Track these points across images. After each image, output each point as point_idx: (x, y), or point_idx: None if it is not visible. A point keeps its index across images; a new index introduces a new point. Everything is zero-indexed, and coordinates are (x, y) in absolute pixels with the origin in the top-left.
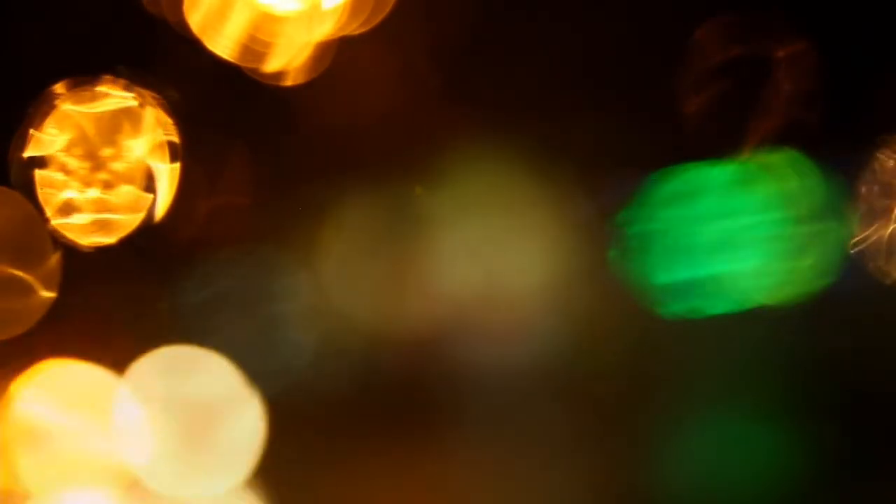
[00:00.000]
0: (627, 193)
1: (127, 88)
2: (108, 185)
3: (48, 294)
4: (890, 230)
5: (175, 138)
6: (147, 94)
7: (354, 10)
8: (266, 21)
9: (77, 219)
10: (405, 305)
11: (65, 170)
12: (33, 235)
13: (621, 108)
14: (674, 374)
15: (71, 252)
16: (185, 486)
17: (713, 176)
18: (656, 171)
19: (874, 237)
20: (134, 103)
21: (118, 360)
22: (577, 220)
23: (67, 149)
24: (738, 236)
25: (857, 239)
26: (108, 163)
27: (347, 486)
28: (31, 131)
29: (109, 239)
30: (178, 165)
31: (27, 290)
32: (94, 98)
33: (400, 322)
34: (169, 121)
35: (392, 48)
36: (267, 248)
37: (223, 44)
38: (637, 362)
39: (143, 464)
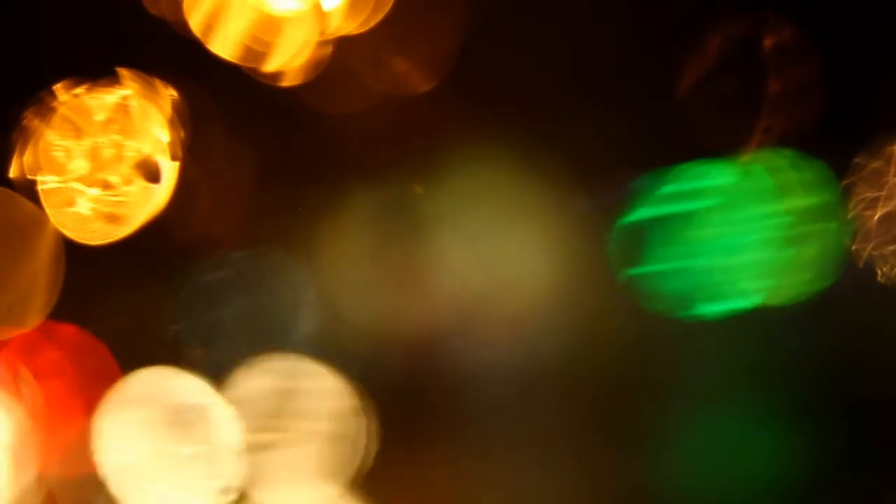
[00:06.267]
0: (627, 193)
1: (127, 88)
2: (109, 185)
3: (51, 293)
4: (889, 230)
5: (175, 138)
6: (147, 94)
7: (354, 10)
8: (266, 21)
9: (78, 218)
10: (405, 305)
11: (66, 170)
12: (35, 235)
13: (621, 107)
14: (674, 374)
15: (73, 251)
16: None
17: (713, 176)
18: (656, 171)
19: (873, 237)
20: (134, 103)
21: (120, 359)
22: (577, 219)
23: (68, 149)
24: (737, 236)
25: (856, 239)
26: (108, 163)
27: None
28: (32, 131)
29: (111, 238)
30: (178, 165)
31: (29, 289)
32: (95, 98)
33: (400, 321)
34: (169, 121)
35: (392, 48)
36: (267, 248)
37: (223, 44)
38: (637, 362)
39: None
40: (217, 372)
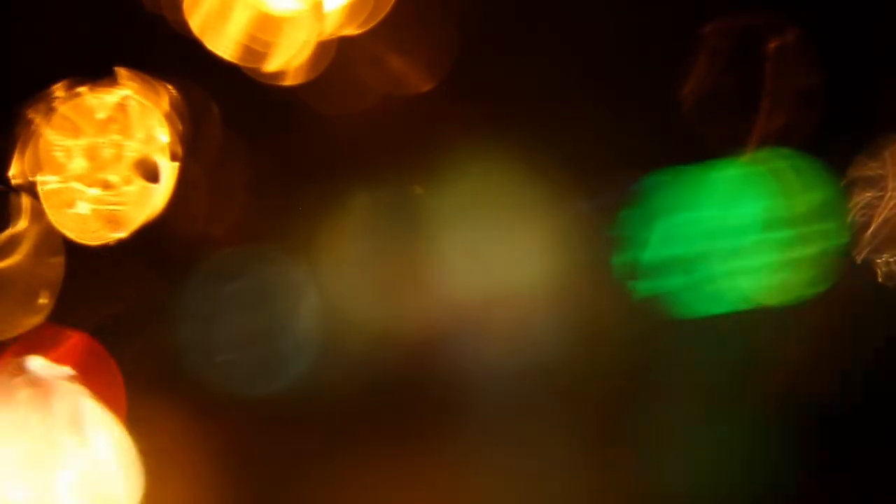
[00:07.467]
0: (627, 193)
1: (127, 88)
2: (108, 185)
3: (51, 293)
4: (889, 231)
5: (175, 138)
6: (147, 94)
7: (354, 10)
8: (266, 21)
9: (78, 218)
10: (405, 305)
11: (66, 170)
12: (35, 235)
13: (621, 107)
14: (673, 374)
15: (73, 251)
16: None
17: (713, 176)
18: (656, 171)
19: (873, 238)
20: (134, 103)
21: (120, 359)
22: (577, 220)
23: (68, 149)
24: (737, 236)
25: (856, 239)
26: (108, 163)
27: (347, 486)
28: (32, 131)
29: (110, 238)
30: (178, 165)
31: (29, 289)
32: (95, 98)
33: (400, 322)
34: (169, 121)
35: (392, 48)
36: (267, 248)
37: (223, 44)
38: (637, 362)
39: None
40: (217, 372)
